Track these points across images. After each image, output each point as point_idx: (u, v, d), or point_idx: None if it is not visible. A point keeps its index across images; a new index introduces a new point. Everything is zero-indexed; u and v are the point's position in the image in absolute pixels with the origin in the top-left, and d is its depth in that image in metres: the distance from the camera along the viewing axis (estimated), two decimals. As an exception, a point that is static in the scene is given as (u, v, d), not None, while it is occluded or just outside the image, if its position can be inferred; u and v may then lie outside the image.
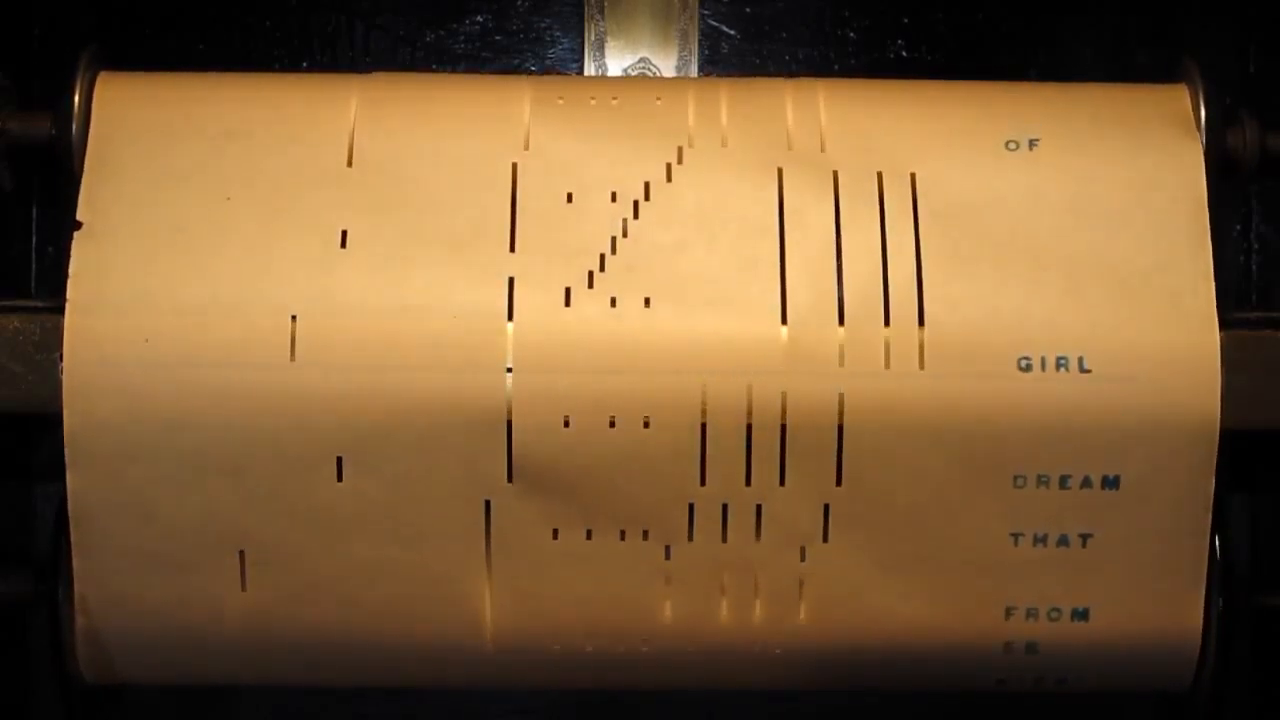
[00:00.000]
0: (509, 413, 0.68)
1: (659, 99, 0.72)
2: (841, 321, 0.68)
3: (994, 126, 0.71)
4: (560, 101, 0.72)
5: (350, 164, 0.70)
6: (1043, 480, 0.69)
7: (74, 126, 0.71)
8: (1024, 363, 0.68)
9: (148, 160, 0.70)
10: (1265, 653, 0.83)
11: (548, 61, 0.85)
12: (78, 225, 0.69)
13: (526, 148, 0.70)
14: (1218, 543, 0.70)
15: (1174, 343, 0.68)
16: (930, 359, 0.68)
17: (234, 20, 0.85)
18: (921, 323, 0.68)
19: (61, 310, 0.68)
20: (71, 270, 0.69)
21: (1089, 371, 0.68)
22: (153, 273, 0.68)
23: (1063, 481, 0.69)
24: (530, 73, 0.85)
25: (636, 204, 0.69)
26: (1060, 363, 0.68)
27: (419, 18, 0.85)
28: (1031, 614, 0.71)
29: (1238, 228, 0.84)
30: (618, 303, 0.68)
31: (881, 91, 0.73)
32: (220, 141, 0.70)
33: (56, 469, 0.69)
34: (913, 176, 0.70)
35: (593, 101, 0.72)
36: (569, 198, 0.70)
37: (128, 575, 0.70)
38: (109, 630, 0.71)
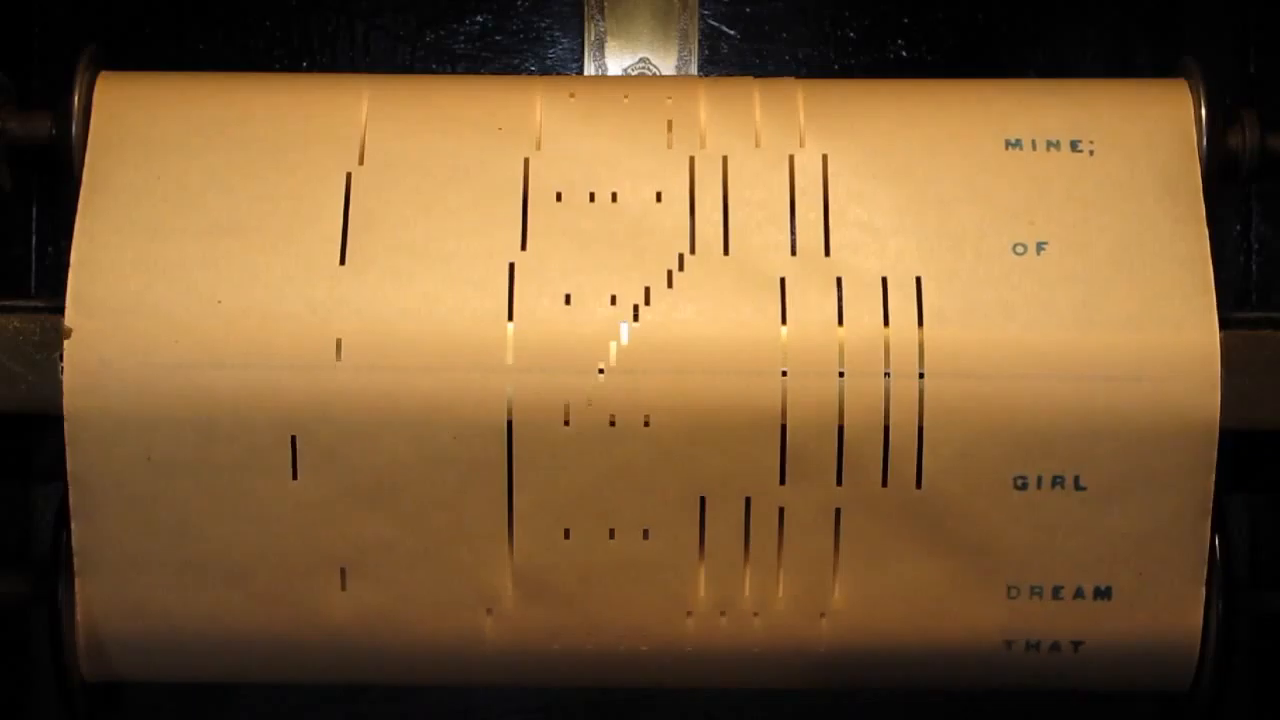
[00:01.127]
0: (510, 524, 0.69)
1: (659, 196, 0.70)
2: (841, 436, 0.68)
3: (1000, 226, 0.70)
4: (559, 201, 0.70)
5: (343, 262, 0.69)
6: (1036, 591, 0.70)
7: (74, 126, 0.71)
8: (1020, 481, 0.69)
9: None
10: (1265, 653, 0.83)
11: (548, 61, 0.85)
12: (68, 333, 0.68)
13: (524, 248, 0.69)
14: (1217, 543, 0.70)
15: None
16: (928, 475, 0.68)
17: (234, 20, 0.85)
18: (920, 439, 0.68)
19: (61, 310, 0.68)
20: (72, 270, 0.69)
21: (1084, 489, 0.68)
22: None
23: (1055, 592, 0.70)
24: (530, 73, 0.85)
25: (636, 308, 0.68)
26: (1056, 481, 0.69)
27: (419, 18, 0.85)
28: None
29: (1238, 228, 0.84)
30: (617, 421, 0.68)
31: (894, 180, 0.70)
32: (212, 237, 0.69)
33: (56, 469, 0.69)
34: (918, 281, 0.69)
35: (592, 202, 0.70)
36: (567, 299, 0.69)
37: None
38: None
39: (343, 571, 0.69)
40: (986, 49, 0.85)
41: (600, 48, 0.84)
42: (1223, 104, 0.72)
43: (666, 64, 0.84)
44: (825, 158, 0.70)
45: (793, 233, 0.69)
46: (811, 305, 0.69)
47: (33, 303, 0.70)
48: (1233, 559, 0.71)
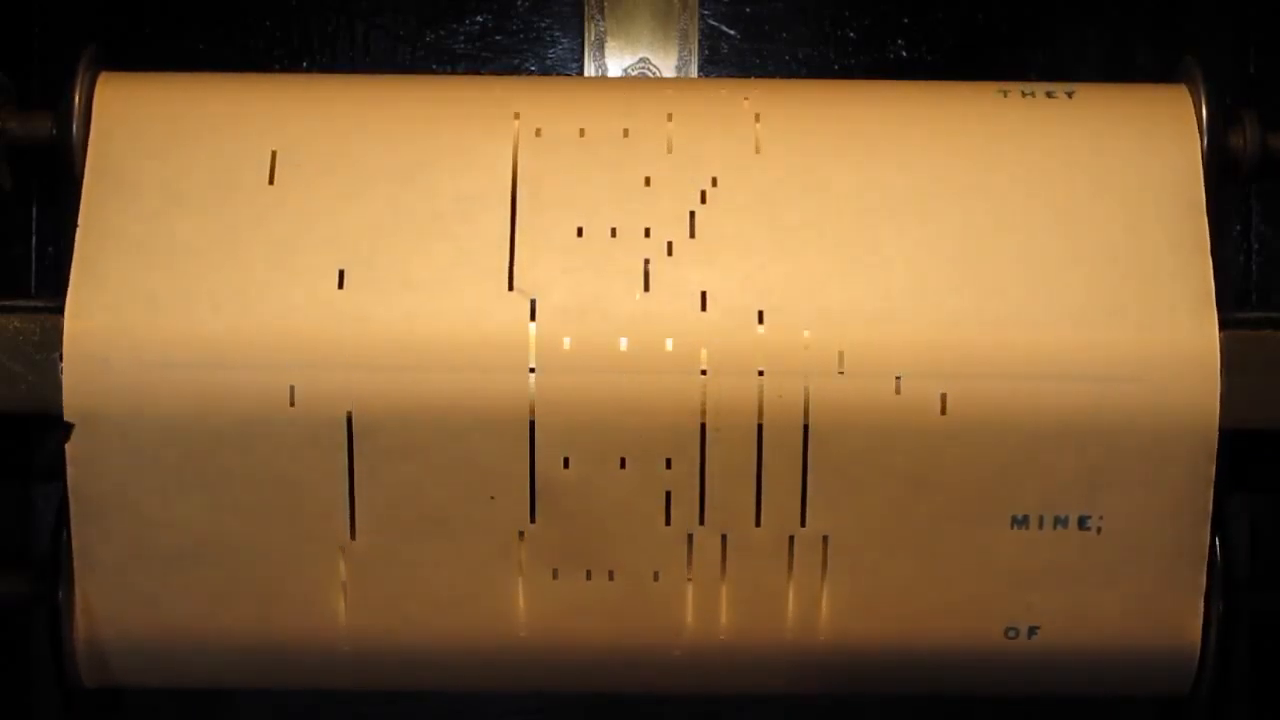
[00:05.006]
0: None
1: (656, 582, 0.70)
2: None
3: (997, 609, 0.70)
4: (555, 580, 0.70)
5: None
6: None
7: (74, 126, 0.71)
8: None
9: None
10: (1265, 654, 0.83)
11: (548, 61, 0.85)
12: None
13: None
14: (1217, 543, 0.70)
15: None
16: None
17: (234, 20, 0.85)
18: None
19: (61, 310, 0.68)
20: (73, 272, 0.69)
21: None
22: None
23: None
24: (530, 73, 0.85)
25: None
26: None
27: (419, 18, 0.85)
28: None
29: (1238, 228, 0.84)
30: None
31: (897, 553, 0.70)
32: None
33: (56, 469, 0.69)
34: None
35: (588, 581, 0.70)
36: None
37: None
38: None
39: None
40: (986, 49, 0.85)
41: (600, 48, 0.84)
42: (1223, 104, 0.72)
43: (666, 64, 0.84)
44: (826, 539, 0.70)
45: (786, 616, 0.70)
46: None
47: (33, 303, 0.70)
48: (1233, 559, 0.71)
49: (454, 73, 0.85)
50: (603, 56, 0.84)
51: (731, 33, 0.85)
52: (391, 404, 0.68)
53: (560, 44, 0.85)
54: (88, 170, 0.70)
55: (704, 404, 0.68)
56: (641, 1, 0.84)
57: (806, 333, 0.68)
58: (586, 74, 0.84)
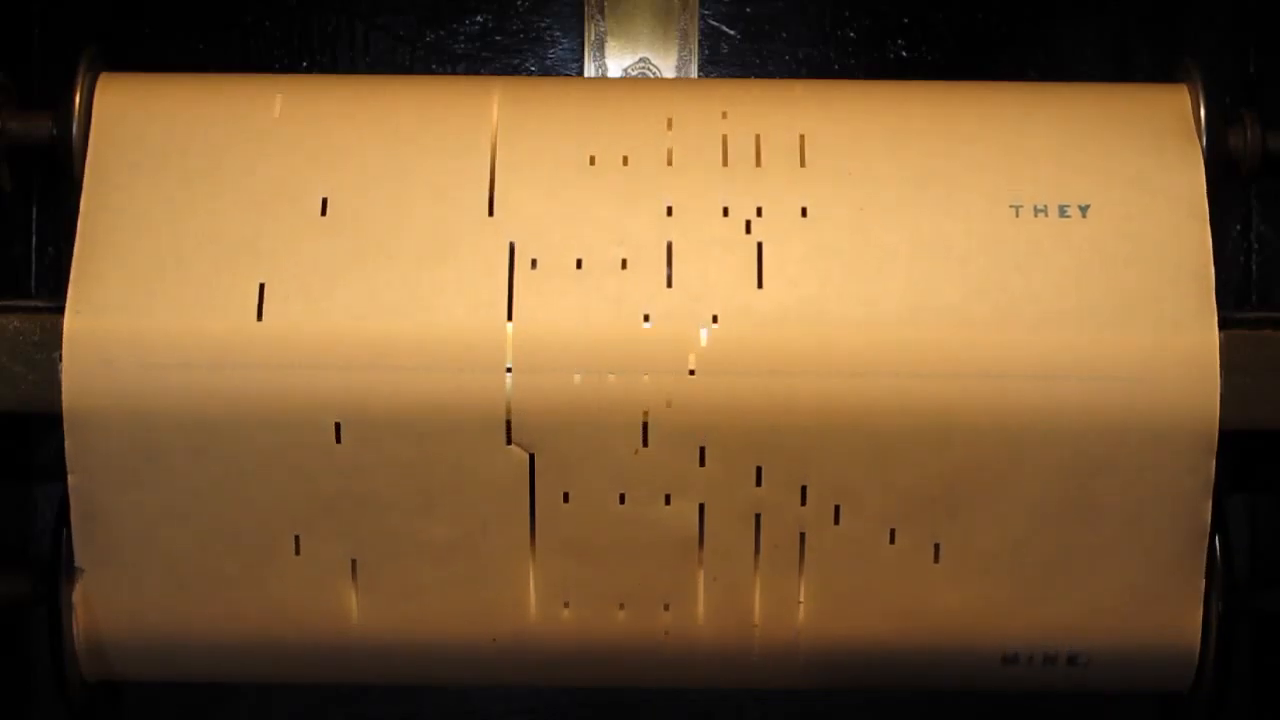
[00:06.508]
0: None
1: None
2: None
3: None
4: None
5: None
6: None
7: (74, 127, 0.71)
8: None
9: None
10: (1265, 653, 0.83)
11: (548, 61, 0.85)
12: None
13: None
14: (1217, 543, 0.70)
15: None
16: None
17: (234, 20, 0.85)
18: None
19: (61, 310, 0.68)
20: (73, 272, 0.69)
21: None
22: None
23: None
24: (530, 73, 0.85)
25: None
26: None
27: (419, 18, 0.85)
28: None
29: (1238, 228, 0.84)
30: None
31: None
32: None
33: (56, 469, 0.69)
34: None
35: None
36: None
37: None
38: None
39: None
40: (987, 49, 0.85)
41: (600, 48, 0.84)
42: (1223, 104, 0.72)
43: (666, 64, 0.84)
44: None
45: None
46: None
47: (33, 303, 0.70)
48: (1233, 559, 0.71)
49: (454, 73, 0.85)
50: (603, 56, 0.84)
51: (731, 33, 0.85)
52: (394, 551, 0.69)
53: (560, 44, 0.85)
54: (88, 170, 0.70)
55: (701, 555, 0.69)
56: (641, 1, 0.84)
57: (804, 487, 0.68)
58: (586, 74, 0.84)
